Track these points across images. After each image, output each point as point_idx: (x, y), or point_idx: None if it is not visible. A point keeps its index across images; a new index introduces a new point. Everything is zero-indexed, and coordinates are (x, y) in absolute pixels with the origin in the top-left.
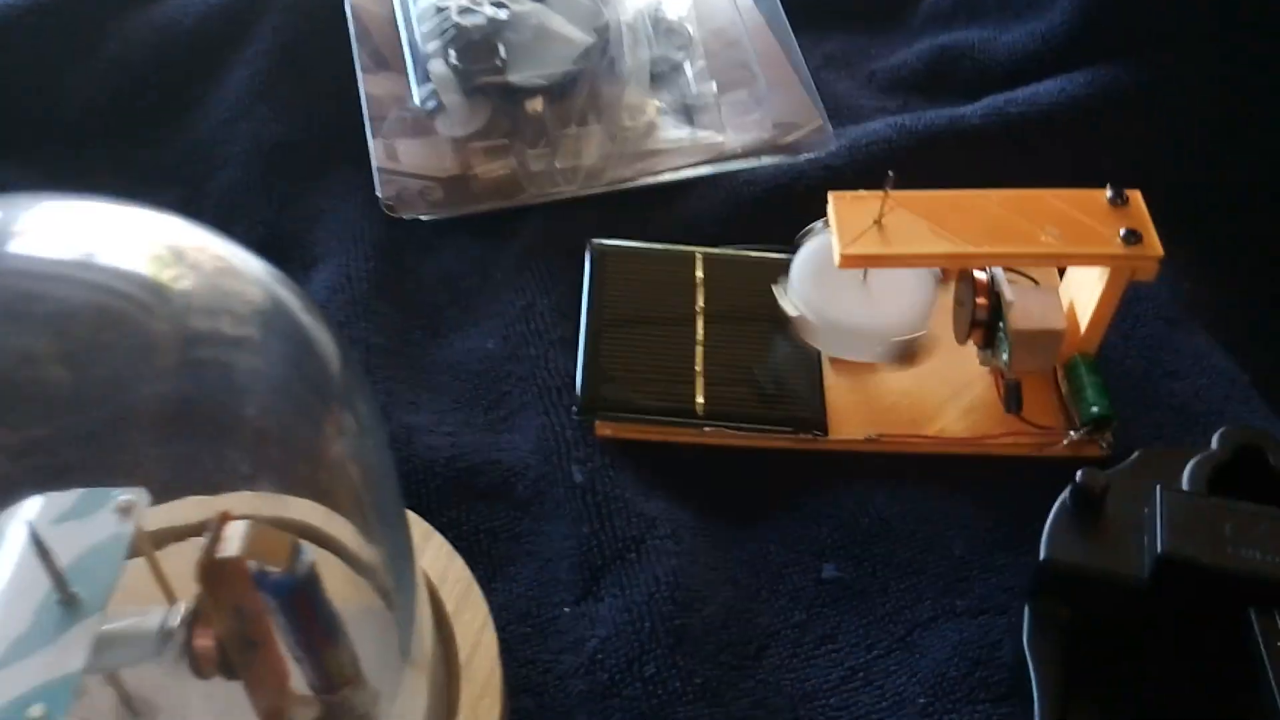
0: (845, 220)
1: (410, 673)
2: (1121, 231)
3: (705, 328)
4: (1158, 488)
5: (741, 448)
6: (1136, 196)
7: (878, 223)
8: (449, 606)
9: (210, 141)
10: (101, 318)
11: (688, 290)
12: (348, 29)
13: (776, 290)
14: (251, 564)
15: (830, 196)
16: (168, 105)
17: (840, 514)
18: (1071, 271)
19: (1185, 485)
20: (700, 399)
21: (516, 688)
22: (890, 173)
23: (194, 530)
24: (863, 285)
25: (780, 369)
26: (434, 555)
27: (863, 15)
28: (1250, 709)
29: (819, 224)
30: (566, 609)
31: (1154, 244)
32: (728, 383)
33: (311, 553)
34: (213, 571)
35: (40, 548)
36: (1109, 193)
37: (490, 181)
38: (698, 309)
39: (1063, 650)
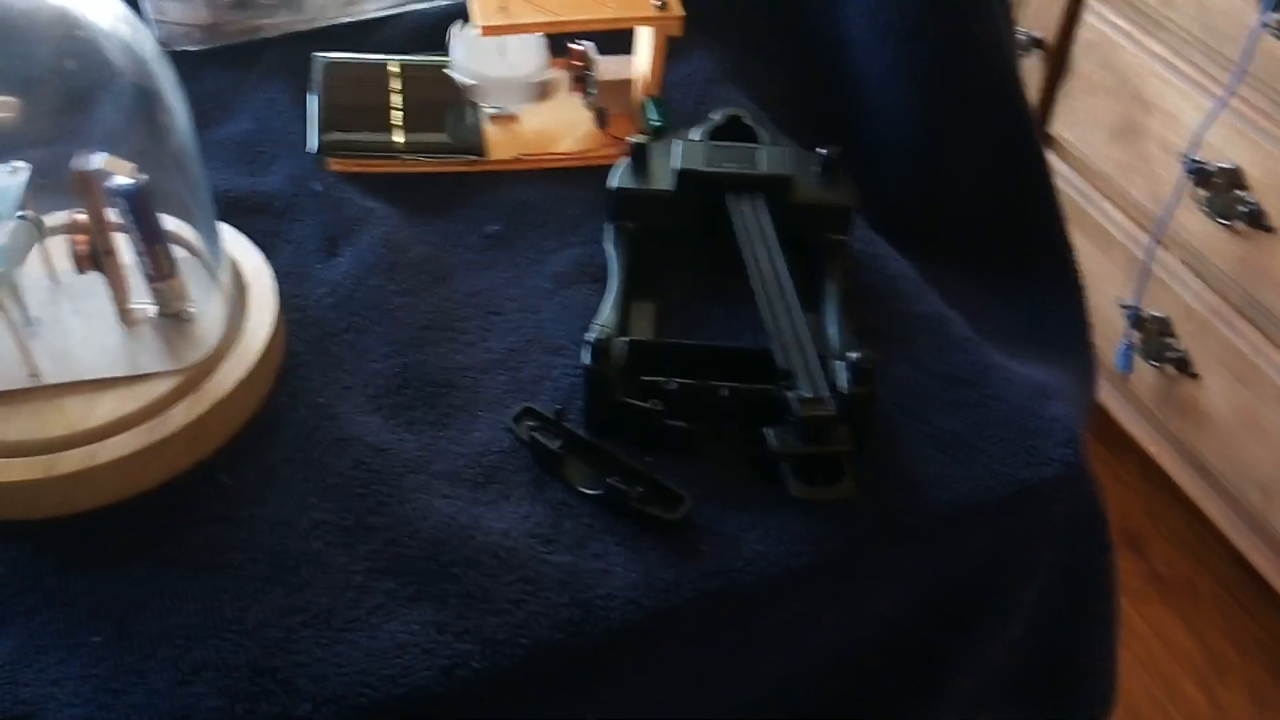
0: (483, 6)
1: (217, 292)
2: (655, 3)
3: (402, 98)
4: (674, 139)
5: (430, 173)
6: None
7: (503, 7)
8: (238, 258)
9: None
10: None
11: (385, 80)
12: None
13: (449, 70)
14: (108, 181)
15: None
16: None
17: (498, 202)
18: (637, 44)
19: (694, 138)
20: (400, 139)
21: (288, 308)
22: None
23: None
24: (500, 53)
25: (452, 121)
26: (226, 234)
27: None
28: (733, 262)
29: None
30: (317, 266)
31: (676, 8)
32: (417, 129)
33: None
34: (83, 180)
35: None
36: None
37: (234, 28)
38: (395, 89)
39: (628, 248)
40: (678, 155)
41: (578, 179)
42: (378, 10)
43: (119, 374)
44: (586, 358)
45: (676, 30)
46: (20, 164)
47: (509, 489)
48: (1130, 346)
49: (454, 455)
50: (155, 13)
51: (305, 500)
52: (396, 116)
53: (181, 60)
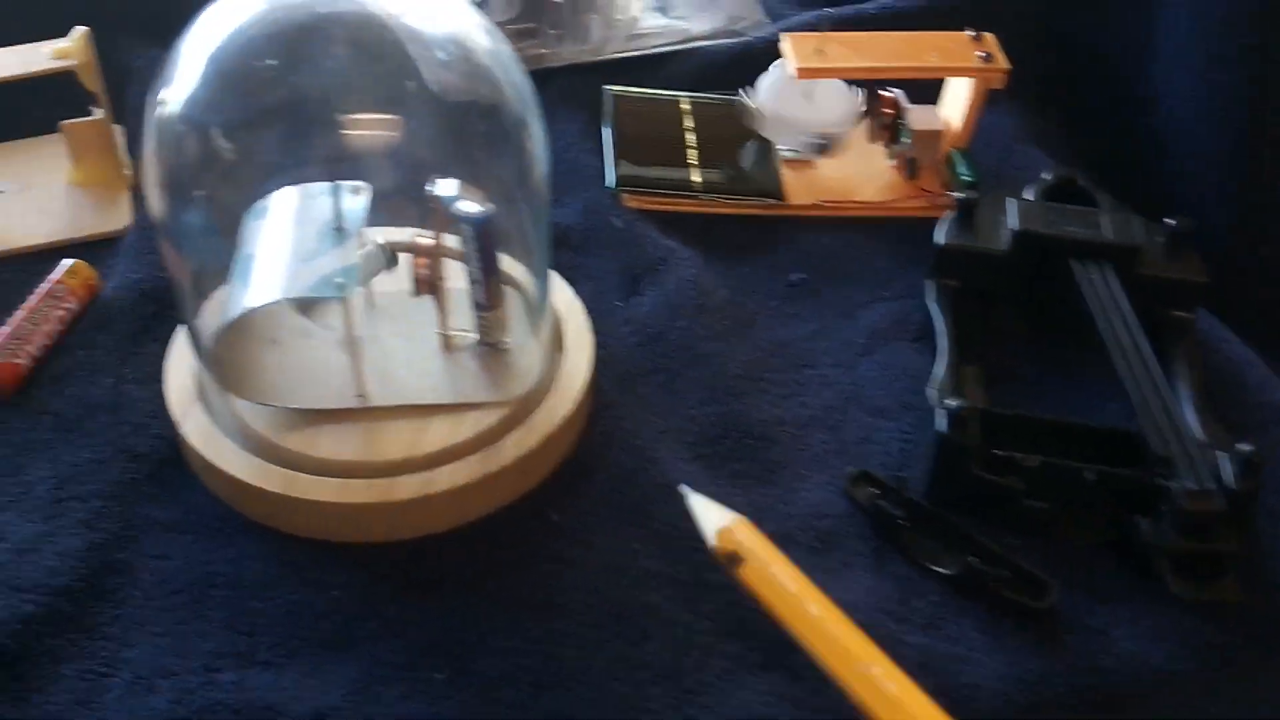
0: (797, 48)
1: (537, 326)
2: (980, 54)
3: (696, 136)
4: (1008, 197)
5: (725, 214)
6: (989, 35)
7: (820, 50)
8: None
9: None
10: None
11: (679, 117)
12: None
13: (746, 103)
14: (457, 206)
15: (784, 35)
16: None
17: (798, 249)
18: (946, 93)
19: (1027, 197)
20: (697, 178)
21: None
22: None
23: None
24: (807, 97)
25: (748, 162)
26: None
27: None
28: (1070, 331)
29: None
30: (619, 304)
31: (1002, 61)
32: (714, 168)
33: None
34: (435, 204)
35: (336, 195)
36: (970, 33)
37: (521, 55)
38: (688, 127)
39: (955, 308)
40: (1014, 214)
41: (881, 230)
42: (663, 46)
43: (447, 401)
44: (943, 425)
45: (1000, 83)
46: (360, 184)
47: (848, 557)
48: None
49: (785, 515)
50: None
51: (632, 547)
52: (692, 155)
53: None
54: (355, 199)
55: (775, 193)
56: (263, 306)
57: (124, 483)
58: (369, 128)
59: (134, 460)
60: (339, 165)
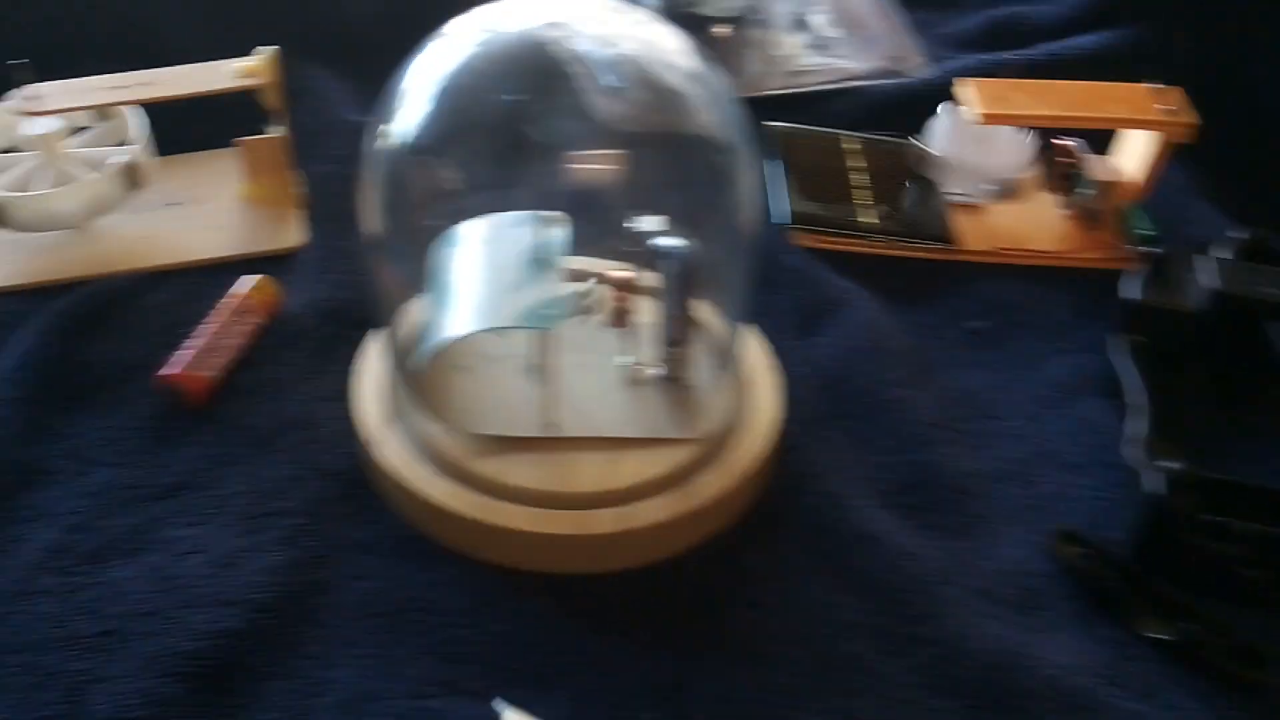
0: (982, 93)
1: (724, 363)
2: (1163, 107)
3: (864, 176)
4: (1201, 256)
5: (896, 256)
6: (1175, 89)
7: (1003, 97)
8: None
9: None
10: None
11: (843, 155)
12: None
13: (917, 145)
14: (660, 242)
15: (966, 80)
16: None
17: (973, 295)
18: (1122, 145)
19: (1223, 256)
20: (868, 218)
21: None
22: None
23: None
24: (983, 142)
25: (914, 204)
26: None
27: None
28: (1261, 393)
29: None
30: (795, 343)
31: (1187, 114)
32: (883, 209)
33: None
34: (636, 240)
35: (539, 225)
36: (1153, 86)
37: None
38: (854, 166)
39: (1147, 365)
40: (1209, 273)
41: (1057, 280)
42: (822, 84)
43: (639, 435)
44: (1157, 487)
45: (1186, 137)
46: (559, 214)
47: (1055, 618)
48: None
49: (985, 571)
50: None
51: (833, 596)
52: (860, 195)
53: None
54: (555, 230)
55: (946, 237)
56: (469, 336)
57: (319, 500)
58: (586, 161)
59: (327, 479)
60: (548, 195)
